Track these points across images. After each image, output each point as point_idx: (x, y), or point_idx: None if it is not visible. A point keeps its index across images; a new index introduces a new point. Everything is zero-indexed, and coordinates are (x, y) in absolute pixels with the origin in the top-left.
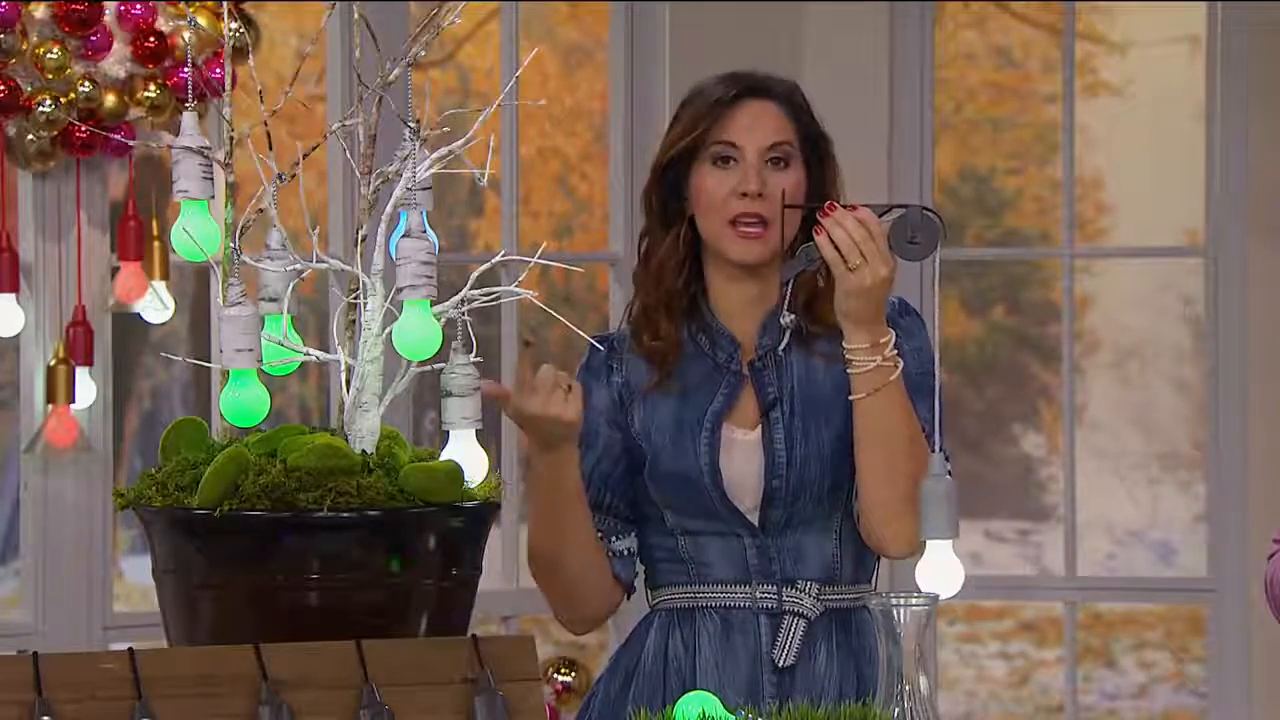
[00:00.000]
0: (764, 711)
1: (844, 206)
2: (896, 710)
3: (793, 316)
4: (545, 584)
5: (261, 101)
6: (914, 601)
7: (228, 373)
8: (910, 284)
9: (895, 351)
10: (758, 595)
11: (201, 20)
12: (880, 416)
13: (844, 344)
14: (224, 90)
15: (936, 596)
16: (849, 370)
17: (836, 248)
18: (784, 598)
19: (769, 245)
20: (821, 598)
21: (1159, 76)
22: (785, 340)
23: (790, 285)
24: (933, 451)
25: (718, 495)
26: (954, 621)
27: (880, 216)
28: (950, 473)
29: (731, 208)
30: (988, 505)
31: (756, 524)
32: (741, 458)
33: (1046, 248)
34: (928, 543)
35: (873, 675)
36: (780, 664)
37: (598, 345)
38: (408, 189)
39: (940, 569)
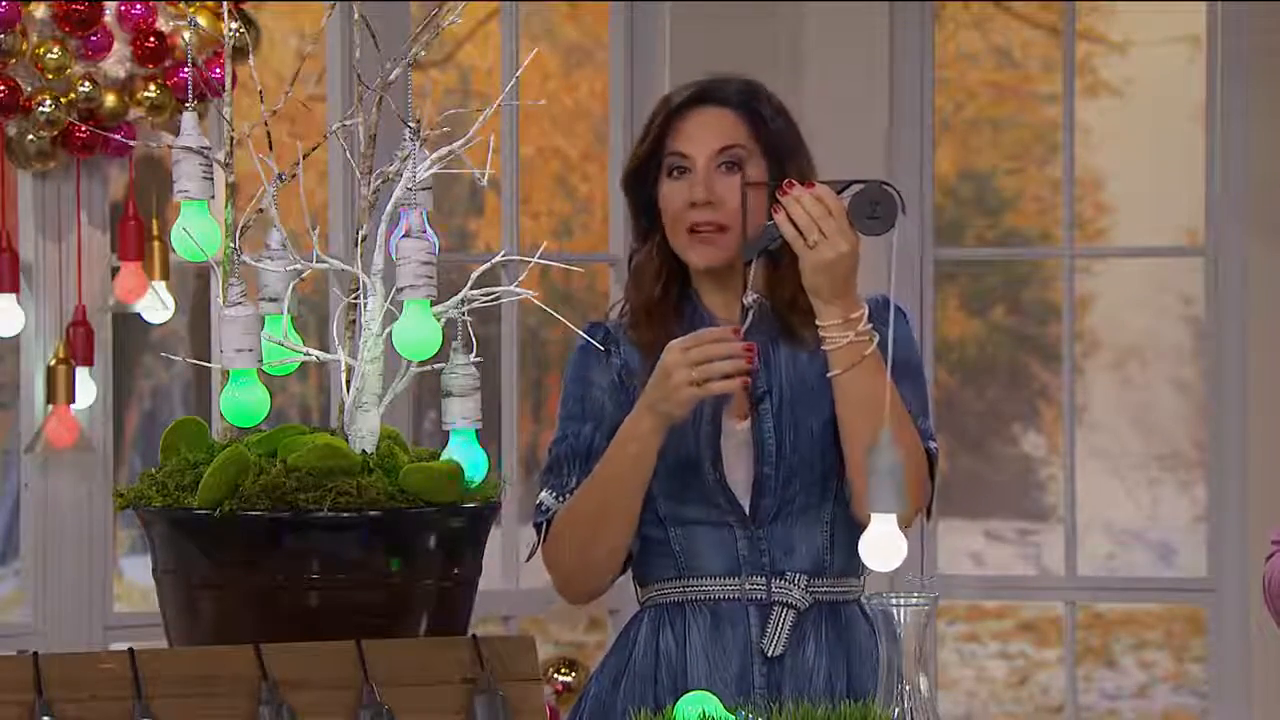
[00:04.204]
0: (754, 702)
1: (802, 184)
2: (896, 710)
3: (755, 296)
4: (575, 549)
5: (261, 101)
6: (914, 601)
7: (228, 373)
8: (908, 281)
9: (869, 326)
10: (747, 587)
11: (201, 20)
12: (860, 391)
13: (817, 321)
14: (224, 90)
15: (936, 597)
16: (824, 347)
17: (795, 225)
18: (773, 589)
19: (727, 249)
20: (810, 589)
21: (1159, 76)
22: (749, 320)
23: (752, 265)
24: (893, 429)
25: (716, 480)
26: (954, 621)
27: (840, 193)
28: (934, 455)
29: (688, 217)
30: (988, 505)
31: (748, 513)
32: (735, 447)
33: (1046, 248)
34: (872, 515)
35: (861, 669)
36: (770, 653)
37: (590, 339)
38: (408, 189)
39: (881, 543)
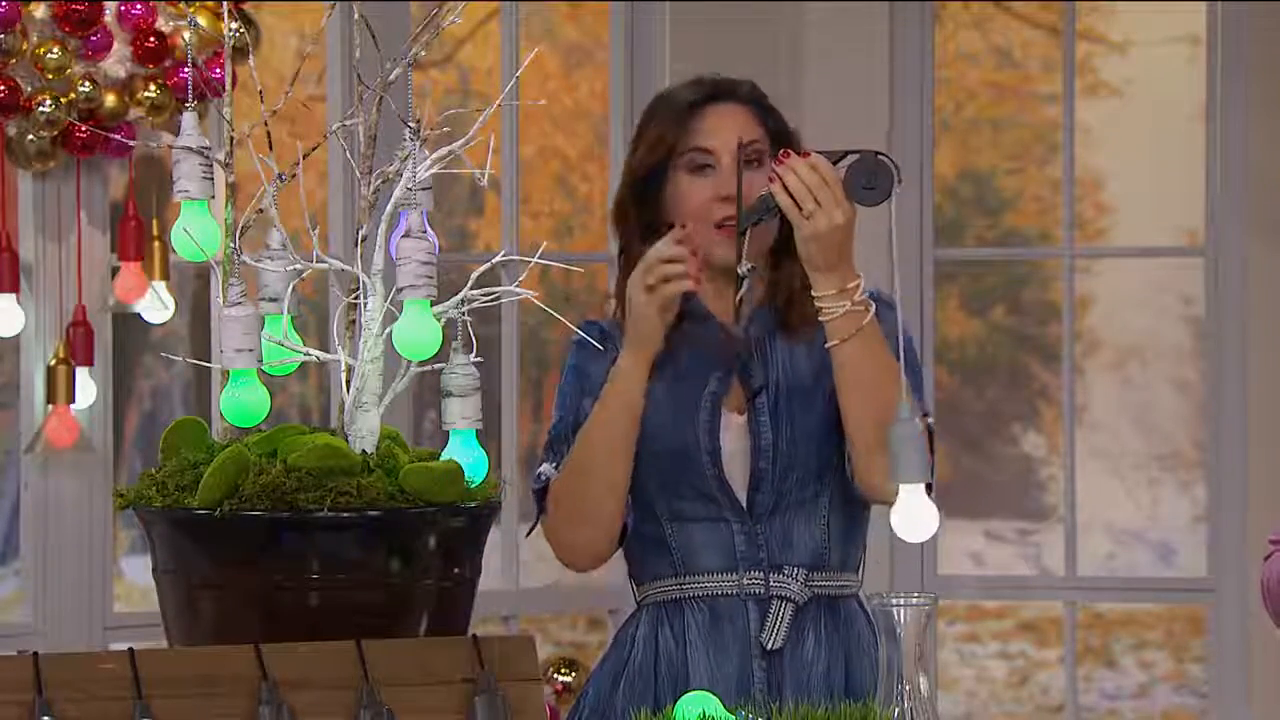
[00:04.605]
0: (755, 698)
1: (798, 153)
2: (896, 710)
3: (750, 265)
4: (571, 505)
5: (261, 101)
6: (914, 601)
7: (228, 373)
8: (910, 280)
9: (866, 296)
10: (745, 582)
11: (201, 20)
12: (860, 360)
13: (812, 292)
14: (224, 90)
15: (936, 597)
16: (821, 318)
17: (790, 195)
18: (771, 583)
19: (753, 242)
20: (809, 583)
21: (1159, 76)
22: (744, 288)
23: (747, 234)
24: (904, 401)
25: (714, 473)
26: (954, 621)
27: (835, 163)
28: (931, 428)
29: (715, 213)
30: (988, 505)
31: (745, 507)
32: (732, 440)
33: (1046, 248)
34: (901, 487)
35: (860, 664)
36: (769, 647)
37: (585, 336)
38: (408, 189)
39: (914, 513)
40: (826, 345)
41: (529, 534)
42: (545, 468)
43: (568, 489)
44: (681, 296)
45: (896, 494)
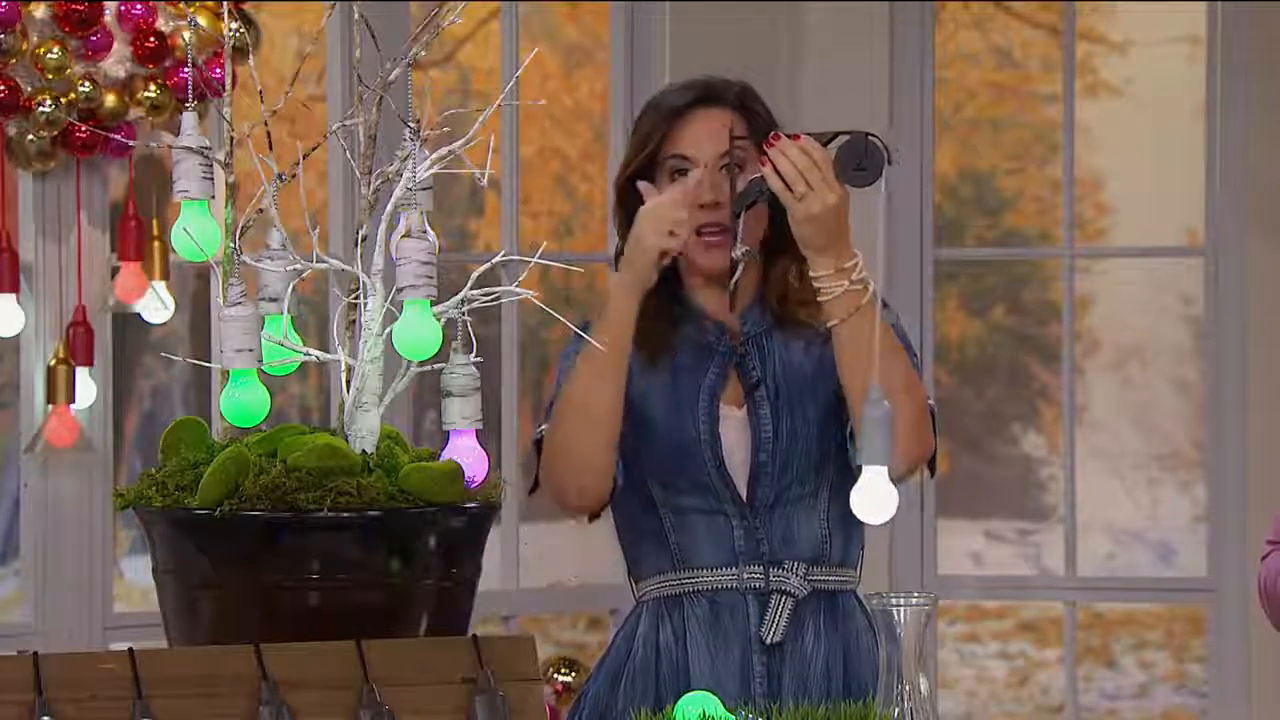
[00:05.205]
0: (754, 697)
1: (788, 136)
2: (896, 710)
3: (745, 249)
4: (565, 439)
5: (261, 101)
6: (914, 601)
7: (228, 373)
8: (909, 280)
9: (865, 275)
10: (744, 576)
11: (201, 20)
12: (861, 338)
13: (810, 273)
14: (224, 90)
15: (936, 597)
16: (820, 299)
17: (782, 178)
18: (771, 577)
19: (748, 227)
20: (809, 578)
21: (1159, 76)
22: (738, 273)
23: (740, 219)
24: (900, 373)
25: (714, 465)
26: (954, 621)
27: (825, 145)
28: (933, 410)
29: (693, 219)
30: (988, 505)
31: (745, 499)
32: (732, 433)
33: (1046, 248)
34: (863, 468)
35: (858, 658)
36: (768, 640)
37: (583, 334)
38: (408, 189)
39: (873, 495)
40: (827, 325)
41: (531, 492)
42: (545, 426)
43: (560, 428)
44: (677, 303)
45: (907, 465)
